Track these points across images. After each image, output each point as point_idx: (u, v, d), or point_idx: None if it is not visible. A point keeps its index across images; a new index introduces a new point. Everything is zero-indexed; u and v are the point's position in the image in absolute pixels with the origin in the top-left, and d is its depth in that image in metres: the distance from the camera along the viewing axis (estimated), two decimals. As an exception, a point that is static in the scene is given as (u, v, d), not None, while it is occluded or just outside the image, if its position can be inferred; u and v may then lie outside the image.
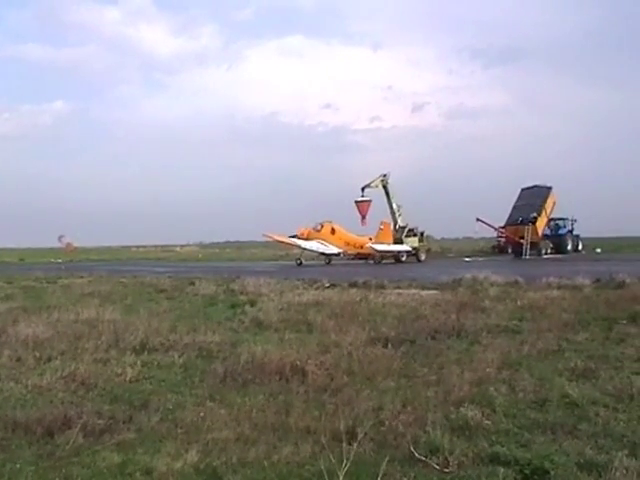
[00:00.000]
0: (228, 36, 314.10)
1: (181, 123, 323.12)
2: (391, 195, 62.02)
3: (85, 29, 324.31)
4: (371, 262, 59.28)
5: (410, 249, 60.32)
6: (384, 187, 61.69)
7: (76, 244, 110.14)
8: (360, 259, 61.23)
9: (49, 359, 12.34)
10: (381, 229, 58.91)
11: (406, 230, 60.73)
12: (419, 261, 59.60)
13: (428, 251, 64.96)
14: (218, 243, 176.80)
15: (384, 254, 58.19)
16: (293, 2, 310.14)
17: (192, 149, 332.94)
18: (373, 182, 61.14)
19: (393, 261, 58.78)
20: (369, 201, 61.10)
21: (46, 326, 15.55)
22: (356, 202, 60.76)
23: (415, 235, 61.86)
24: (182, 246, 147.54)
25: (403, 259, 59.25)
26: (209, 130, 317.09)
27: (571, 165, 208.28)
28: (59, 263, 69.83)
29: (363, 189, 60.94)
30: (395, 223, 61.33)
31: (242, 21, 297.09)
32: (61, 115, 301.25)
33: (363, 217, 60.95)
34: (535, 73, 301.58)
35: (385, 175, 61.81)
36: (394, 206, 62.02)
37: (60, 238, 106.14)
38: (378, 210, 62.88)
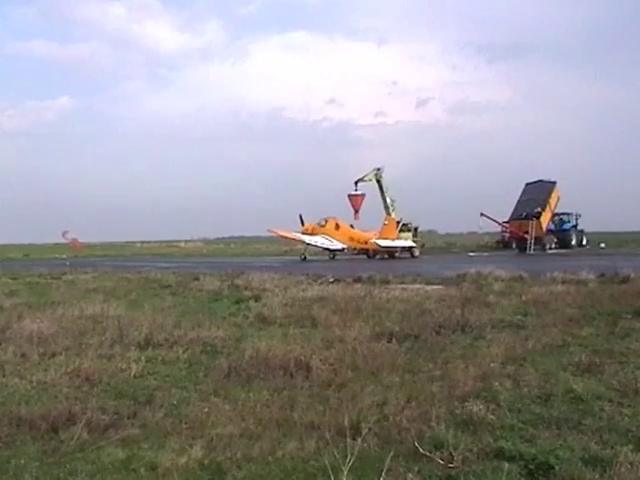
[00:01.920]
0: (233, 32, 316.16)
1: (185, 119, 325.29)
2: (385, 189, 61.95)
3: (90, 25, 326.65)
4: (365, 257, 59.56)
5: (413, 244, 60.39)
6: (378, 181, 61.68)
7: (81, 240, 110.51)
8: (365, 255, 61.32)
9: (53, 355, 12.35)
10: (385, 224, 58.93)
11: (400, 225, 60.69)
12: (413, 257, 59.52)
13: (422, 247, 64.78)
14: (223, 238, 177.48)
15: (379, 250, 58.19)
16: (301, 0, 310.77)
17: (196, 145, 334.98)
18: (366, 176, 61.15)
19: (386, 257, 58.67)
20: (362, 195, 61.17)
21: (51, 322, 15.56)
22: (349, 196, 60.81)
23: (409, 230, 61.92)
24: (186, 242, 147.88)
25: (397, 254, 59.19)
26: (213, 126, 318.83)
27: (575, 160, 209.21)
28: (64, 259, 69.85)
29: (356, 183, 60.95)
30: (386, 217, 61.10)
31: (246, 17, 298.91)
32: (65, 111, 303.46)
33: (356, 211, 61.02)
34: (539, 68, 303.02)
35: (379, 169, 61.76)
36: (388, 200, 61.95)
37: (64, 234, 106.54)
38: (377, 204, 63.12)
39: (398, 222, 60.46)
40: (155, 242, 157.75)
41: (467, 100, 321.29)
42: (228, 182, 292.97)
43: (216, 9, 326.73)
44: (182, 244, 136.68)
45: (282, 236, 63.35)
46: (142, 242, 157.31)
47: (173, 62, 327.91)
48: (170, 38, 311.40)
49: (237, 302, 20.94)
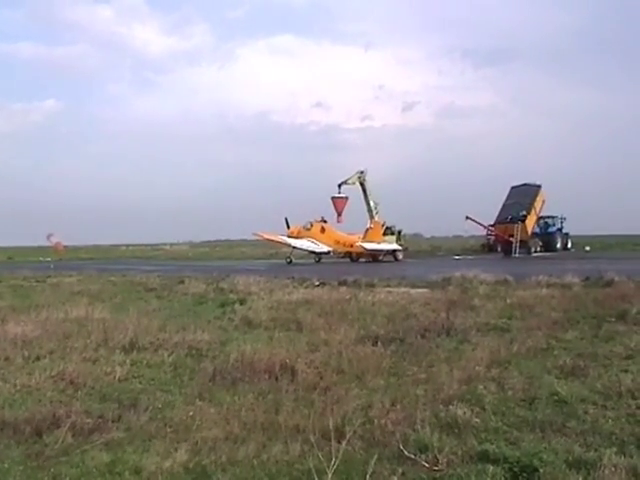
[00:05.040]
0: (220, 35, 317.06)
1: (172, 122, 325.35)
2: (368, 192, 62.01)
3: (78, 28, 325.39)
4: (348, 260, 59.64)
5: (398, 248, 60.46)
6: (361, 184, 61.72)
7: (65, 243, 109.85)
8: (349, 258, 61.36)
9: (38, 358, 12.30)
10: (371, 228, 59.00)
11: (383, 228, 60.77)
12: (396, 260, 59.51)
13: (405, 250, 64.78)
14: (208, 242, 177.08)
15: (363, 253, 58.22)
16: (285, 1, 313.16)
17: (183, 148, 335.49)
18: (350, 179, 61.20)
19: (370, 260, 58.62)
20: (345, 198, 61.20)
21: (35, 325, 15.50)
22: (332, 198, 60.86)
23: (392, 233, 62.03)
24: (172, 245, 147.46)
25: (380, 258, 59.15)
26: (200, 129, 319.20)
27: (561, 164, 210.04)
28: (48, 262, 69.48)
29: (339, 186, 60.90)
30: (371, 221, 61.24)
31: (234, 20, 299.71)
32: (52, 113, 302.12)
33: (339, 214, 61.05)
34: (525, 73, 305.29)
35: (362, 172, 61.77)
36: (371, 203, 62.02)
37: (49, 237, 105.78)
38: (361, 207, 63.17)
39: (382, 225, 60.53)
40: (140, 245, 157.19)
41: (453, 104, 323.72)
42: (214, 185, 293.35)
43: (204, 13, 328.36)
44: (167, 247, 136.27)
45: (268, 239, 63.15)
46: (127, 245, 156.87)
47: (160, 65, 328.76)
48: (157, 41, 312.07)
49: (222, 305, 20.91)
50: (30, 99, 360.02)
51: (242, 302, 21.15)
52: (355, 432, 7.27)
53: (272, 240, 62.55)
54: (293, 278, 31.02)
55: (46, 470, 6.69)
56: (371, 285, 26.77)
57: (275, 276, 32.58)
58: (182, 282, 30.27)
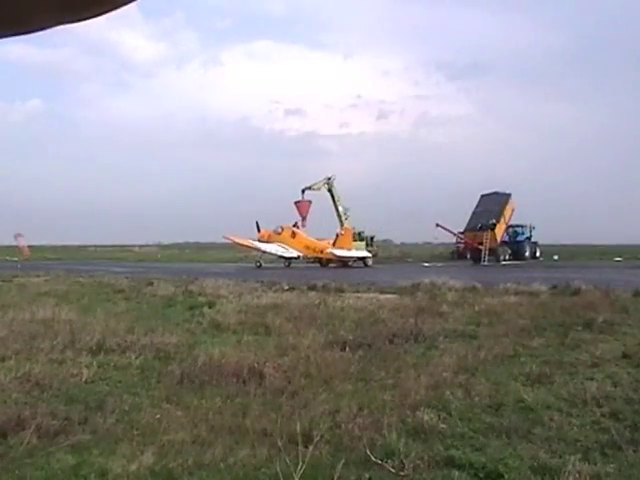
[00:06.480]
0: (204, 42, 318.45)
1: (153, 126, 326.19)
2: (336, 198, 62.17)
3: (66, 31, 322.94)
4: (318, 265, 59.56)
5: (368, 254, 60.49)
6: (329, 190, 61.93)
7: (33, 242, 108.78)
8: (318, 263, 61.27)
9: (3, 359, 12.12)
10: (341, 234, 58.99)
11: (354, 235, 60.85)
12: (366, 266, 59.51)
13: (375, 256, 64.90)
14: (178, 244, 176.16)
15: (333, 259, 58.18)
16: (268, 11, 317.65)
17: (162, 151, 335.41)
18: (315, 185, 61.39)
19: (340, 265, 58.56)
20: (309, 202, 61.35)
21: (1, 325, 15.31)
22: (295, 203, 61.02)
23: (362, 239, 62.06)
24: (141, 246, 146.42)
25: (350, 263, 59.16)
26: (181, 133, 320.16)
27: (530, 173, 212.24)
28: (15, 262, 68.64)
29: (303, 191, 61.10)
30: (342, 226, 61.47)
31: (218, 28, 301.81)
32: (33, 114, 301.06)
33: (303, 218, 61.07)
34: (496, 87, 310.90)
35: (329, 178, 62.02)
36: (340, 209, 62.21)
37: (16, 236, 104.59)
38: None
39: (352, 231, 60.59)
40: (109, 246, 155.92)
41: (428, 114, 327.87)
42: (189, 188, 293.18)
43: (189, 20, 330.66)
44: (136, 249, 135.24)
45: (238, 243, 62.84)
46: (96, 246, 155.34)
47: (144, 70, 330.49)
48: (143, 46, 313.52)
49: (191, 308, 20.80)
50: (13, 99, 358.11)
51: (211, 305, 21.06)
52: (322, 437, 7.27)
53: (242, 244, 62.23)
54: (262, 282, 30.97)
55: (10, 472, 6.60)
56: (340, 290, 26.77)
57: (244, 280, 32.51)
58: (151, 284, 30.04)
